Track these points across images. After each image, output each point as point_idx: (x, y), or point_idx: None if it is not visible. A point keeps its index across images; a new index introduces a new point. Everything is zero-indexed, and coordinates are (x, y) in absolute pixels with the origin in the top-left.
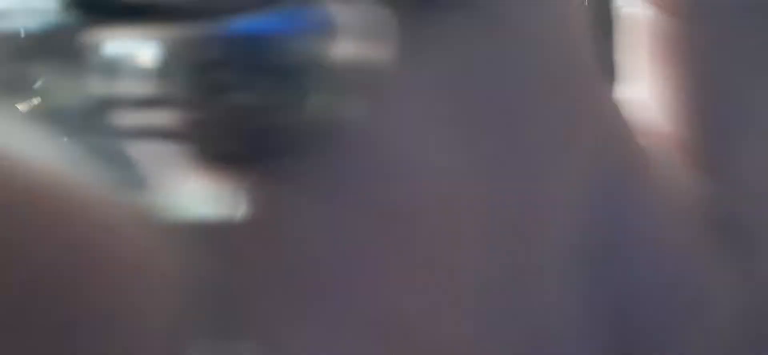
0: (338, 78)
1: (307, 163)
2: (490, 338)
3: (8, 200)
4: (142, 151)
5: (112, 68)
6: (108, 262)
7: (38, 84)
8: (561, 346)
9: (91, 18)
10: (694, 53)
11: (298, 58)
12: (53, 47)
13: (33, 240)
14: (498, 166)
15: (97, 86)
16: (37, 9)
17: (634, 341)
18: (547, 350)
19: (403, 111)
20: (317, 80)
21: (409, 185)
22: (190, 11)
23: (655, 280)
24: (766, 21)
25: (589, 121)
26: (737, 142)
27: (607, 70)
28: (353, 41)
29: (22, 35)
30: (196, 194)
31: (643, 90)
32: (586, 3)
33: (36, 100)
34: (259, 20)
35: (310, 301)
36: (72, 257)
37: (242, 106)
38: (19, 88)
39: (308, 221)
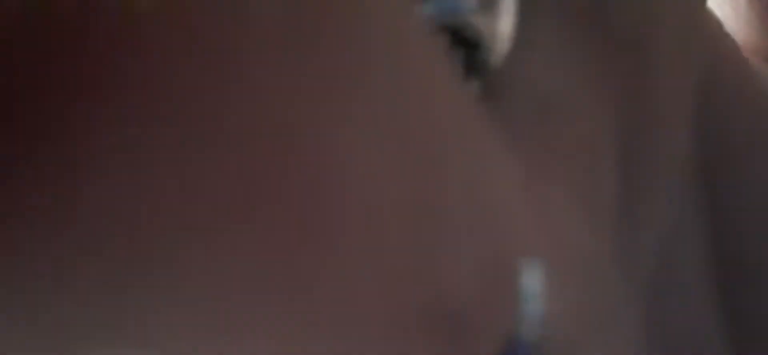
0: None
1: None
2: (624, 247)
3: None
4: None
5: None
6: None
7: None
8: (677, 244)
9: None
10: None
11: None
12: None
13: None
14: (625, 98)
15: None
16: None
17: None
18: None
19: (544, 58)
20: (476, 42)
21: (563, 122)
22: None
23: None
24: None
25: (700, 39)
26: None
27: None
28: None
29: None
30: None
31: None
32: None
33: None
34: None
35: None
36: None
37: None
38: None
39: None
